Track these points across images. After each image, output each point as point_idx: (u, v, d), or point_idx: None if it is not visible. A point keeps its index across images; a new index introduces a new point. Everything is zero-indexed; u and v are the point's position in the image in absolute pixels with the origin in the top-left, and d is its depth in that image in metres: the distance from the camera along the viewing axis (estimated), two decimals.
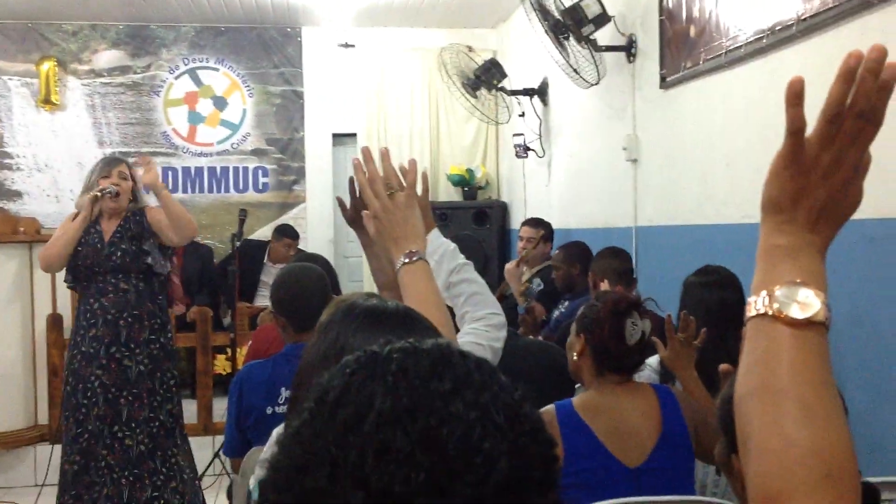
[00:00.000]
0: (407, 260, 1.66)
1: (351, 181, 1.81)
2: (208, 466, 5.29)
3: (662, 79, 4.44)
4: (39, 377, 5.38)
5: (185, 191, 7.63)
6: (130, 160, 4.26)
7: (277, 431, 2.03)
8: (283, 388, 2.79)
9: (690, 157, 4.13)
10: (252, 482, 1.92)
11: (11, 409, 5.24)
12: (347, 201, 2.04)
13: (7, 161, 7.37)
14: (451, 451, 0.64)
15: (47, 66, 7.35)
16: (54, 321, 5.26)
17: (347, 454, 0.64)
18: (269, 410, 2.79)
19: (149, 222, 3.99)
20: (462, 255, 2.00)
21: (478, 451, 0.64)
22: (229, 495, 3.00)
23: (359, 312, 1.31)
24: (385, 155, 1.75)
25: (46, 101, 7.36)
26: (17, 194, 7.34)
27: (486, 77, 6.51)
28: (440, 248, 1.96)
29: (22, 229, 5.46)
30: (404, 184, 1.70)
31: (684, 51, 4.24)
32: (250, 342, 3.87)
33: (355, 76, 7.76)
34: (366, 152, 1.74)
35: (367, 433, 0.65)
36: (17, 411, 5.28)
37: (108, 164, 4.06)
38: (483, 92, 6.56)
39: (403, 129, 7.75)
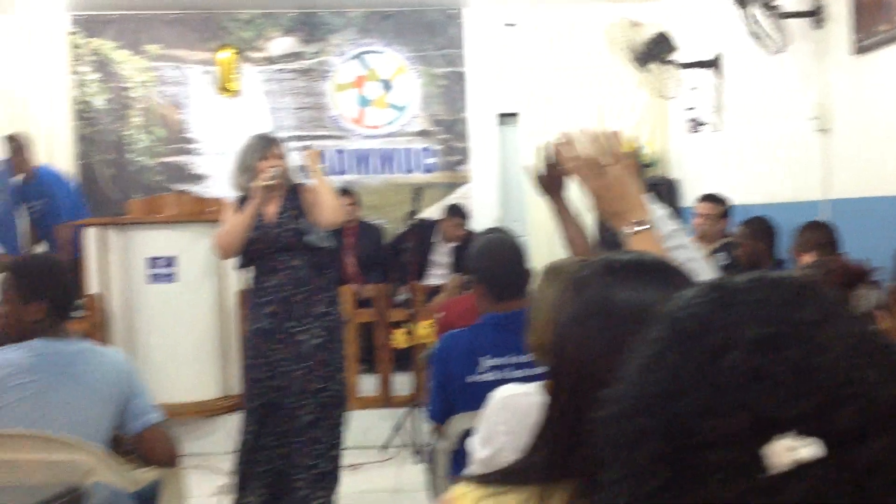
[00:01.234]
0: (634, 229, 1.64)
1: (547, 149, 1.80)
2: (391, 439, 5.44)
3: (856, 44, 4.24)
4: (231, 350, 5.65)
5: (354, 172, 7.83)
6: (302, 151, 4.40)
7: (504, 395, 2.05)
8: (481, 358, 2.82)
9: (892, 125, 3.94)
10: (475, 445, 1.96)
11: (206, 381, 5.53)
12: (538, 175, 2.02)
13: (190, 146, 7.75)
14: (830, 380, 0.63)
15: (226, 54, 7.67)
16: (243, 297, 5.51)
17: (723, 379, 0.65)
18: (468, 379, 2.83)
19: (302, 199, 4.11)
20: (673, 222, 1.97)
21: (859, 381, 0.63)
22: (429, 460, 3.06)
23: (620, 267, 1.31)
24: (600, 133, 1.72)
25: (225, 88, 7.68)
26: (200, 178, 7.72)
27: (656, 51, 6.38)
28: (653, 214, 1.94)
29: (209, 210, 5.72)
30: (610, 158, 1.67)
31: (880, 14, 4.04)
32: (441, 314, 3.94)
33: (518, 55, 7.76)
34: (565, 135, 1.72)
35: (739, 360, 0.65)
36: (211, 382, 5.56)
37: (265, 145, 4.13)
38: (652, 66, 6.44)
39: (568, 107, 7.70)
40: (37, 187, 6.66)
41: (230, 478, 4.12)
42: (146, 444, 2.76)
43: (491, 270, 2.89)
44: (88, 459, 2.54)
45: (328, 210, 4.04)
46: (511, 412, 1.88)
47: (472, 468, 1.97)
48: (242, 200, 4.12)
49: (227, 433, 5.05)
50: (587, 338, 1.23)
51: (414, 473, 4.69)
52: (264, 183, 4.01)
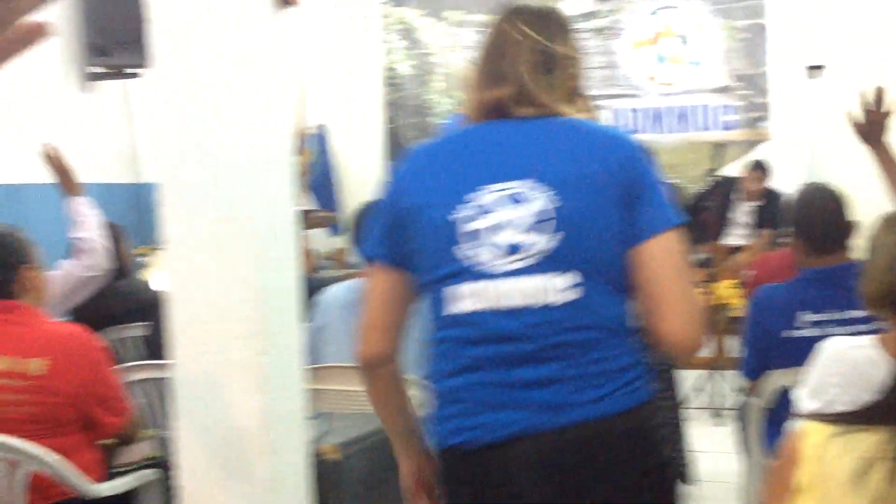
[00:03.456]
0: None
1: (866, 96, 1.71)
2: (690, 399, 5.38)
3: None
4: None
5: (649, 131, 7.73)
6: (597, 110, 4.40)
7: None
8: (799, 313, 2.74)
9: None
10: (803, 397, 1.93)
11: None
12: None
13: None
14: None
15: None
16: None
17: None
18: (784, 334, 2.75)
19: None
20: None
21: None
22: (741, 418, 3.02)
23: None
24: None
25: None
26: None
27: None
28: None
29: None
30: None
31: None
32: (751, 273, 3.84)
33: (824, 3, 7.28)
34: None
35: None
36: None
37: None
38: None
39: (881, 56, 7.13)
40: None
41: None
42: None
43: (810, 223, 2.79)
44: (417, 392, 2.75)
45: None
46: (844, 364, 1.83)
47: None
48: None
49: None
50: None
51: (714, 434, 4.63)
52: None
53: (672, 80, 7.72)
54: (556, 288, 1.52)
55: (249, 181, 2.08)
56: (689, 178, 7.32)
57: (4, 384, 2.30)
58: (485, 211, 1.56)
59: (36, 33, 0.64)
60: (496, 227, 1.54)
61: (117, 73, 5.62)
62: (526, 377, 1.52)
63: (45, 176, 3.63)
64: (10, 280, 2.41)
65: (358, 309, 1.71)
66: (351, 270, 6.80)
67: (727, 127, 7.63)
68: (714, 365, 5.24)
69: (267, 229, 2.12)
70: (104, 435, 2.48)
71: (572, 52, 1.73)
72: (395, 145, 8.01)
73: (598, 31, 7.81)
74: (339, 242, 7.25)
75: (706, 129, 7.66)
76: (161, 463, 2.69)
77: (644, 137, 7.45)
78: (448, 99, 8.02)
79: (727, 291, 5.08)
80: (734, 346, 4.18)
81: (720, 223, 6.62)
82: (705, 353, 5.52)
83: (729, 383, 4.93)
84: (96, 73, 5.47)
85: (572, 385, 1.51)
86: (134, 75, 5.73)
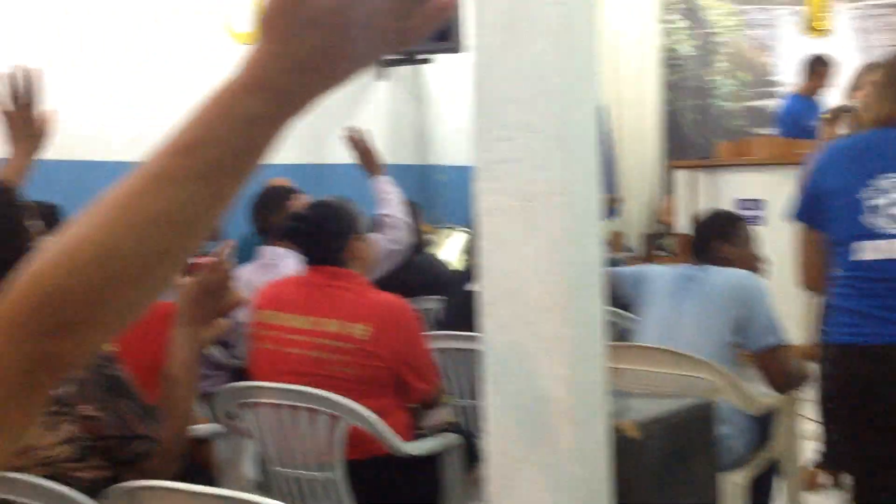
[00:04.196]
0: None
1: None
2: None
3: None
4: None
5: None
6: None
7: None
8: None
9: None
10: None
11: (789, 325, 5.47)
12: None
13: (774, 90, 7.63)
14: None
15: None
16: None
17: None
18: None
19: None
20: None
21: None
22: None
23: None
24: None
25: (814, 27, 7.42)
26: None
27: None
28: None
29: (797, 152, 5.60)
30: None
31: None
32: None
33: None
34: None
35: None
36: (793, 327, 5.50)
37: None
38: None
39: None
40: None
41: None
42: (762, 366, 2.86)
43: None
44: (714, 378, 2.69)
45: None
46: None
47: None
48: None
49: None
50: None
51: None
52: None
53: None
54: None
55: (561, 156, 2.11)
56: None
57: (334, 346, 2.49)
58: (882, 192, 2.35)
59: (443, 10, 0.69)
60: (891, 204, 2.34)
61: (409, 59, 5.91)
62: None
63: (347, 157, 3.88)
64: (341, 248, 2.60)
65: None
66: (627, 254, 6.76)
67: None
68: None
69: (576, 204, 2.15)
70: (413, 399, 2.62)
71: None
72: (673, 128, 7.84)
73: None
74: (615, 226, 7.21)
75: None
76: (460, 428, 2.81)
77: None
78: (731, 80, 7.74)
79: None
80: None
81: None
82: None
83: None
84: (390, 59, 5.77)
85: None
86: (425, 61, 6.00)
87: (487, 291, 2.27)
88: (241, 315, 2.82)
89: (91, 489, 1.69)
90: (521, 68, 2.07)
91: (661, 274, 3.07)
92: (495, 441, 2.25)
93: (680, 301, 2.88)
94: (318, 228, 2.64)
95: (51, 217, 2.91)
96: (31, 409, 0.68)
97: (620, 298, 3.09)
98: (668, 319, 2.85)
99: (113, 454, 1.72)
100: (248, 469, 2.71)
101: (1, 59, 3.06)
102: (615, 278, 3.09)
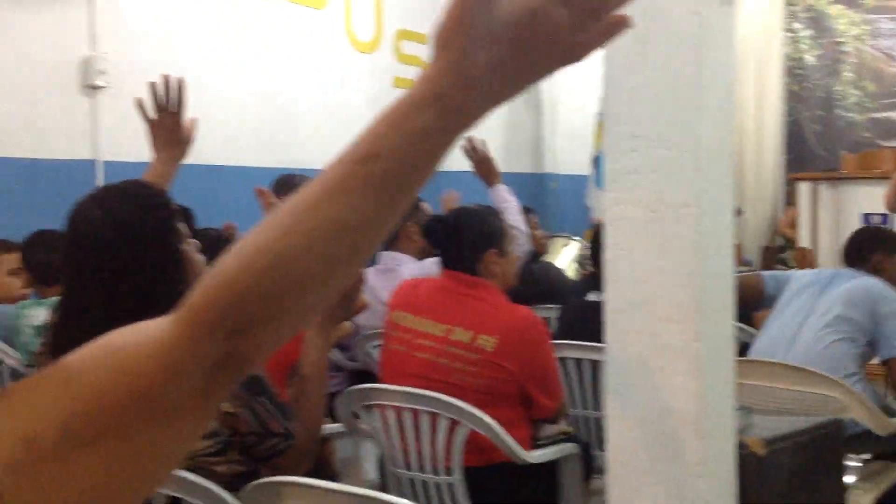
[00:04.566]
0: None
1: None
2: None
3: None
4: None
5: None
6: None
7: None
8: None
9: None
10: None
11: None
12: None
13: None
14: None
15: None
16: None
17: None
18: None
19: None
20: None
21: None
22: None
23: None
24: None
25: None
26: None
27: None
28: None
29: None
30: None
31: None
32: None
33: None
34: None
35: None
36: None
37: None
38: None
39: None
40: None
41: None
42: (893, 375, 2.81)
43: None
44: (841, 396, 2.62)
45: None
46: None
47: None
48: None
49: None
50: None
51: None
52: None
53: None
54: None
55: (693, 168, 2.09)
56: None
57: (462, 355, 2.51)
58: None
59: (619, 25, 0.70)
60: None
61: None
62: None
63: (464, 165, 3.91)
64: (477, 259, 2.62)
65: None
66: (746, 268, 6.60)
67: None
68: None
69: (708, 216, 2.12)
70: (538, 414, 2.61)
71: None
72: (795, 139, 7.63)
73: None
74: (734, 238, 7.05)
75: None
76: (576, 438, 2.79)
77: None
78: (856, 91, 7.49)
79: None
80: None
81: None
82: None
83: None
84: None
85: None
86: None
87: (612, 301, 2.26)
88: (362, 319, 2.88)
89: (228, 483, 1.75)
90: (654, 79, 2.06)
91: (802, 275, 3.08)
92: (617, 453, 2.23)
93: (814, 299, 2.89)
94: (456, 232, 2.66)
95: (186, 220, 3.03)
96: (208, 409, 0.71)
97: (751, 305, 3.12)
98: (798, 317, 2.86)
99: (250, 450, 1.77)
100: (369, 469, 2.76)
101: (147, 68, 3.19)
102: (761, 280, 3.13)
